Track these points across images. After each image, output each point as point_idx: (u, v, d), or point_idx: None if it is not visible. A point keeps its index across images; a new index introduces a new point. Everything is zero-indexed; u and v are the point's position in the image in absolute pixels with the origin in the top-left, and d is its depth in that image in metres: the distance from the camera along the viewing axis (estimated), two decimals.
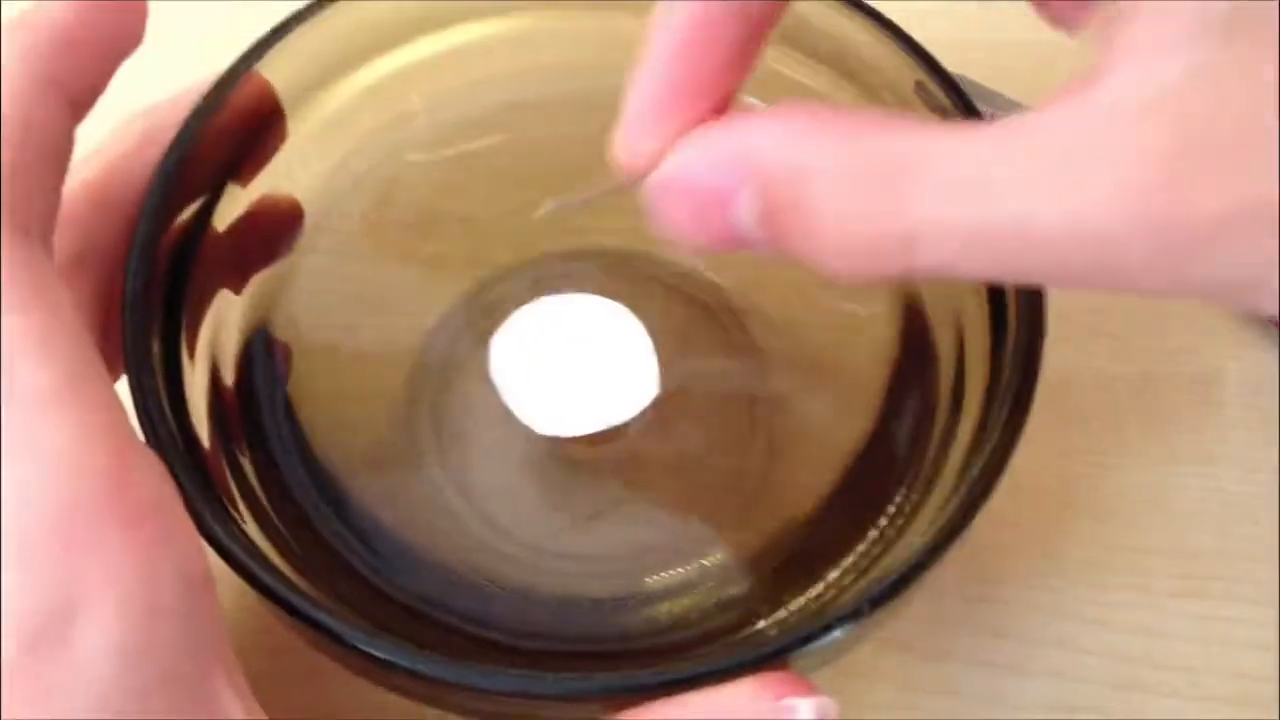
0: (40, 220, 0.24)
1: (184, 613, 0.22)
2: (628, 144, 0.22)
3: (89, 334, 0.23)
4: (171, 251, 0.28)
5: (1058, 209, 0.18)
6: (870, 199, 0.19)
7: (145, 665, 0.21)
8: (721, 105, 0.22)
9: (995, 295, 0.28)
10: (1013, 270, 0.19)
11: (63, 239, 0.26)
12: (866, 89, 0.32)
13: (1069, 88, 0.18)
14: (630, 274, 0.34)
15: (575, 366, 0.27)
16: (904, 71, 0.30)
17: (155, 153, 0.28)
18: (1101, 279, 0.18)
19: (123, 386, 0.26)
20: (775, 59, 0.33)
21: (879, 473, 0.30)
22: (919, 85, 0.30)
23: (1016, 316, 0.26)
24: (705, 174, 0.21)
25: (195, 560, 0.22)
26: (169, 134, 0.28)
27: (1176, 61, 0.17)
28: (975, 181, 0.18)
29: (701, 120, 0.22)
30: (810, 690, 0.23)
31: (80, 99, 0.25)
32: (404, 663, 0.24)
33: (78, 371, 0.22)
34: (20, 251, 0.23)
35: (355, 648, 0.24)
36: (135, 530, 0.21)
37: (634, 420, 0.30)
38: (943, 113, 0.29)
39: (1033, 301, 0.27)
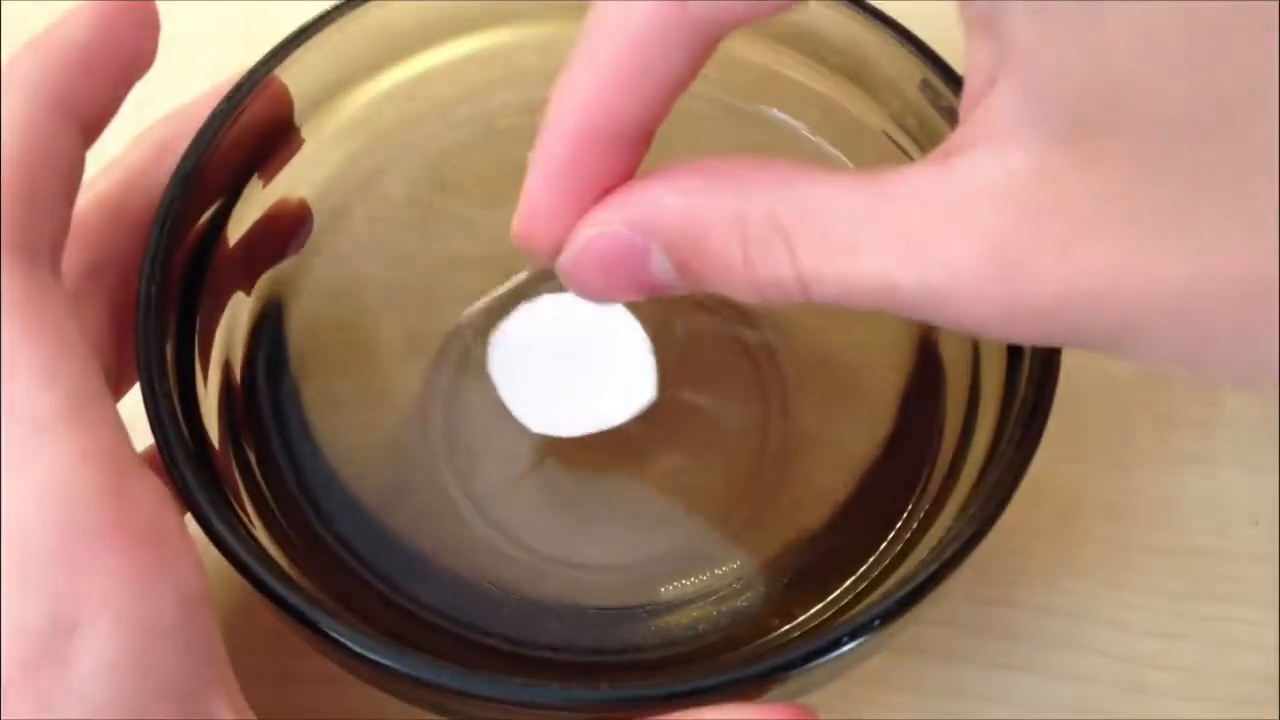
0: (48, 245, 0.24)
1: (181, 632, 0.22)
2: (528, 237, 0.24)
3: (95, 356, 0.24)
4: (186, 257, 0.28)
5: (914, 272, 0.20)
6: (764, 248, 0.21)
7: (142, 683, 0.21)
8: (619, 184, 0.23)
9: None
10: (893, 311, 0.21)
11: (77, 249, 0.26)
12: (870, 89, 0.32)
13: (937, 153, 0.20)
14: None
15: (573, 366, 0.27)
16: (909, 70, 0.30)
17: (172, 162, 0.28)
18: (970, 331, 0.21)
19: (135, 391, 0.26)
20: (777, 61, 0.32)
21: (893, 483, 0.30)
22: (924, 84, 0.30)
23: None
24: (614, 245, 0.23)
25: (193, 580, 0.23)
26: (185, 143, 0.28)
27: (1023, 153, 0.19)
28: (847, 240, 0.21)
29: (596, 203, 0.23)
30: None
31: (91, 123, 0.25)
32: (407, 669, 0.24)
33: (81, 394, 0.22)
34: (27, 277, 0.23)
35: (359, 653, 0.24)
36: (134, 551, 0.22)
37: (642, 429, 0.30)
38: (949, 113, 0.29)
39: None
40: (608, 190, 0.23)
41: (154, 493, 0.23)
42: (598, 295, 0.24)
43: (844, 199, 0.21)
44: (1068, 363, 0.26)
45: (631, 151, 0.23)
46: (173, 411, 0.26)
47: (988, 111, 0.20)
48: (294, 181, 0.32)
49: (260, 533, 0.27)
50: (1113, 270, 0.19)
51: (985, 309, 0.20)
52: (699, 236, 0.22)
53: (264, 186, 0.31)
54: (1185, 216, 0.18)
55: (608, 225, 0.23)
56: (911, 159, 0.31)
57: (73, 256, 0.25)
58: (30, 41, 0.25)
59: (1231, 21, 0.17)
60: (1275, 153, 0.18)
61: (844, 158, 0.33)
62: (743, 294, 0.22)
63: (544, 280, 0.33)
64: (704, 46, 0.22)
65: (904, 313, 0.21)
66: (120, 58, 0.25)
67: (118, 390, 0.28)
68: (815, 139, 0.33)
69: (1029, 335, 0.21)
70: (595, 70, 0.22)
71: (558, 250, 0.24)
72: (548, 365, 0.27)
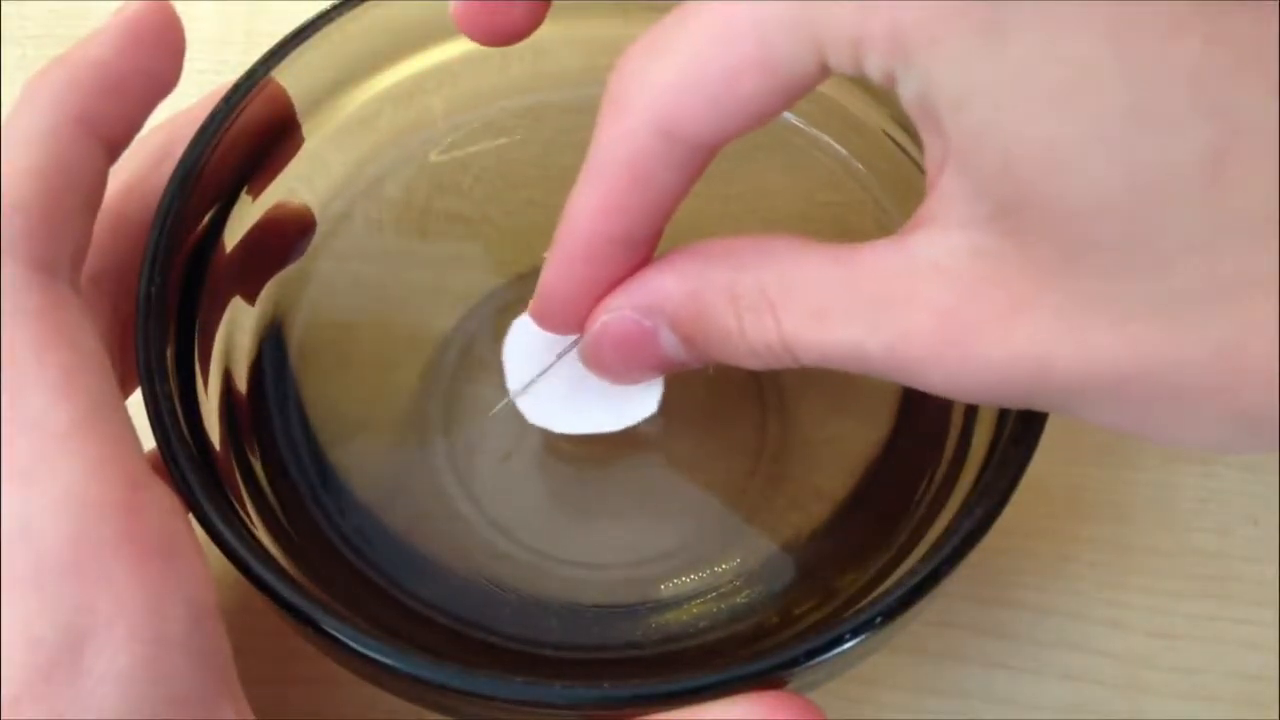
0: (68, 258, 0.25)
1: (191, 641, 0.22)
2: (544, 322, 0.26)
3: (109, 369, 0.24)
4: (185, 261, 0.28)
5: (881, 341, 0.22)
6: (754, 318, 0.23)
7: (153, 691, 0.22)
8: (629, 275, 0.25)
9: None
10: (864, 372, 0.23)
11: None
12: (870, 88, 0.32)
13: (905, 227, 0.22)
14: None
15: (583, 367, 0.27)
16: None
17: (171, 168, 0.28)
18: (938, 394, 0.22)
19: (137, 394, 0.26)
20: None
21: (892, 482, 0.30)
22: None
23: None
24: (626, 328, 0.25)
25: (203, 590, 0.23)
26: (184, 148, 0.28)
27: (961, 234, 0.21)
28: (825, 311, 0.23)
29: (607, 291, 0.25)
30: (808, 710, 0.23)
31: (115, 140, 0.26)
32: (408, 668, 0.24)
33: (95, 407, 0.23)
34: (46, 290, 0.23)
35: (360, 652, 0.24)
36: (144, 562, 0.22)
37: (642, 428, 0.30)
38: None
39: None
40: (617, 281, 0.25)
41: (165, 504, 0.23)
42: (619, 375, 0.27)
43: (823, 273, 0.23)
44: None
45: (637, 251, 0.25)
46: (173, 412, 0.26)
47: (937, 194, 0.22)
48: (293, 183, 0.32)
49: (261, 533, 0.27)
50: (1047, 342, 0.21)
51: (943, 375, 0.22)
52: (699, 312, 0.24)
53: (261, 190, 0.31)
54: (1107, 298, 0.20)
55: (618, 311, 0.25)
56: (911, 158, 0.31)
57: None
58: (56, 59, 0.25)
59: (1121, 126, 0.19)
60: (1178, 245, 0.19)
61: (844, 150, 0.33)
62: (743, 360, 0.24)
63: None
64: (694, 165, 0.23)
65: (877, 375, 0.23)
66: (144, 77, 0.26)
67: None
68: (814, 132, 0.33)
69: (986, 398, 0.23)
70: (597, 191, 0.24)
71: (571, 330, 0.26)
72: (559, 361, 0.28)
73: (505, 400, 0.29)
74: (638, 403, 0.28)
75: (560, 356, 0.28)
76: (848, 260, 0.23)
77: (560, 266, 0.25)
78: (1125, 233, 0.19)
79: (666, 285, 0.24)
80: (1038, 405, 0.22)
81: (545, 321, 0.26)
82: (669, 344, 0.25)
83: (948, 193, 0.21)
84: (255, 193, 0.31)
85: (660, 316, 0.25)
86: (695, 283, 0.24)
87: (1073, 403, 0.21)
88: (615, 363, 0.26)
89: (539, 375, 0.28)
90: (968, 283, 0.21)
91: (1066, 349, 0.20)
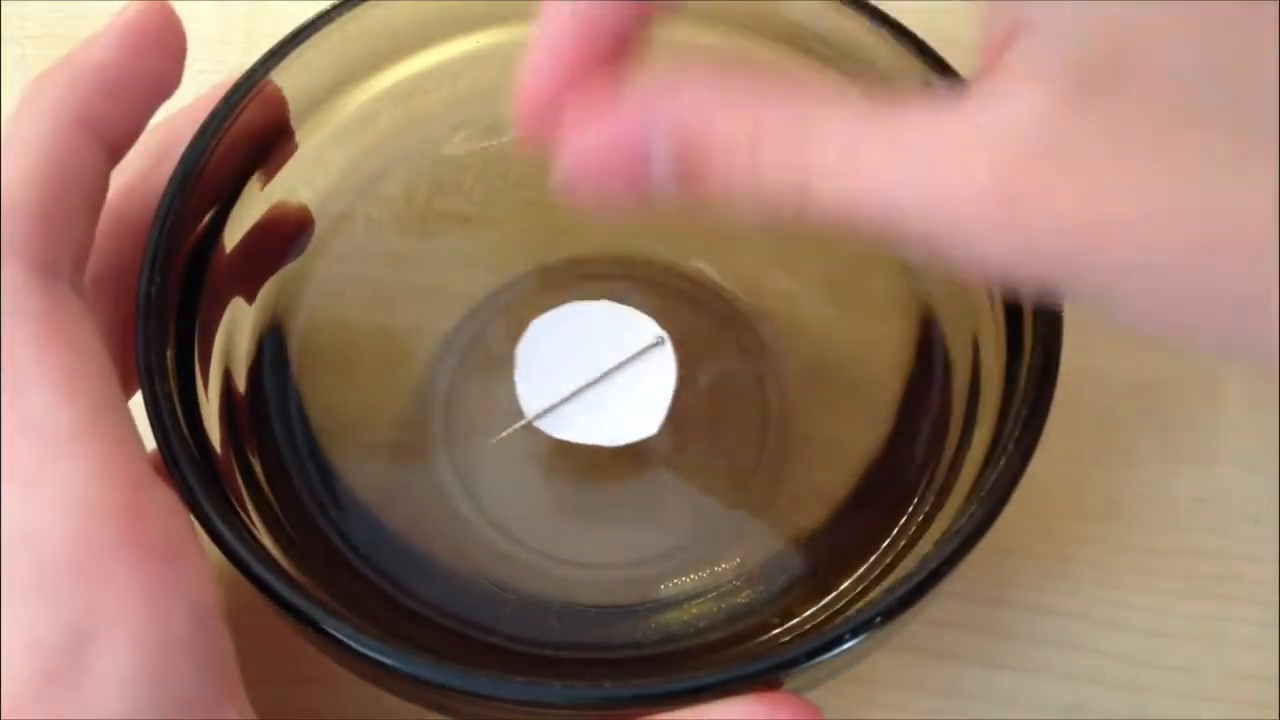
0: (69, 259, 0.25)
1: (194, 643, 0.22)
2: (532, 121, 0.23)
3: (111, 370, 0.24)
4: (185, 261, 0.28)
5: (920, 195, 0.20)
6: (775, 149, 0.21)
7: (156, 695, 0.22)
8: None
9: (1011, 313, 0.28)
10: (891, 237, 0.21)
11: None
12: (870, 88, 0.32)
13: (952, 96, 0.21)
14: (648, 279, 0.34)
15: (596, 377, 0.27)
16: (910, 70, 0.30)
17: (171, 169, 0.28)
18: (970, 263, 0.21)
19: (138, 395, 0.26)
20: (776, 60, 0.32)
21: (892, 482, 0.30)
22: (925, 84, 0.30)
23: (1032, 335, 0.26)
24: (625, 126, 0.22)
25: (206, 593, 0.23)
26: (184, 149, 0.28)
27: (1039, 99, 0.20)
28: (858, 157, 0.21)
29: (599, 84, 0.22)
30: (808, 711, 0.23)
31: (116, 142, 0.26)
32: (408, 668, 0.24)
33: (99, 409, 0.23)
34: (46, 291, 0.23)
35: (360, 652, 0.24)
36: (147, 564, 0.22)
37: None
38: None
39: (1050, 321, 0.26)
40: (604, 72, 0.22)
41: (167, 505, 0.23)
42: (589, 180, 0.23)
43: (861, 119, 0.21)
44: (1067, 363, 0.26)
45: (624, 37, 0.22)
46: (174, 412, 0.26)
47: (1003, 65, 0.20)
48: (293, 183, 0.32)
49: (262, 534, 0.27)
50: (1119, 210, 0.19)
51: (986, 238, 0.20)
52: (711, 129, 0.21)
53: (262, 188, 0.31)
54: (1194, 173, 0.19)
55: (625, 105, 0.22)
56: None
57: None
58: (57, 61, 0.25)
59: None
60: (1275, 119, 0.18)
61: None
62: (739, 192, 0.22)
63: (540, 283, 0.33)
64: None
65: (903, 238, 0.21)
66: (145, 79, 0.26)
67: None
68: None
69: (1027, 268, 0.20)
70: None
71: (552, 119, 0.23)
72: (573, 366, 0.28)
73: (518, 424, 0.29)
74: (640, 421, 0.28)
75: (579, 390, 0.28)
76: (893, 111, 0.21)
77: (547, 38, 0.22)
78: (1217, 105, 0.19)
79: (685, 89, 0.22)
80: (1080, 285, 0.20)
81: (528, 111, 0.23)
82: (660, 163, 0.22)
83: (1018, 62, 0.20)
84: (255, 192, 0.31)
85: (667, 120, 0.22)
86: (717, 94, 0.22)
87: (1125, 281, 0.20)
88: (594, 162, 0.22)
89: (558, 402, 0.28)
90: (1034, 145, 0.20)
91: (1138, 219, 0.19)
